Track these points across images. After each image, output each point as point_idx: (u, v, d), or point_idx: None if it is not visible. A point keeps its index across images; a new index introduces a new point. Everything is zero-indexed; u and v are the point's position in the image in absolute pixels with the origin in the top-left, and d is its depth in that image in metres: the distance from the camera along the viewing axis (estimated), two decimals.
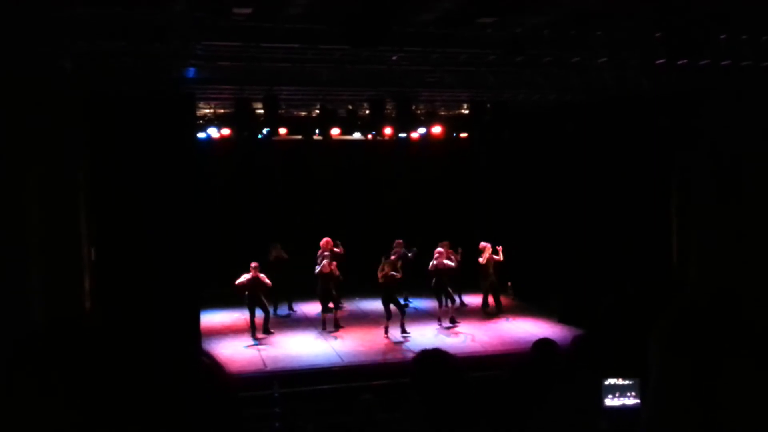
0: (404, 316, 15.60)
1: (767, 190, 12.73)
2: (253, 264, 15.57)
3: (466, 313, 17.78)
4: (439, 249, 16.49)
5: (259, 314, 15.62)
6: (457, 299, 17.66)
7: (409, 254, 17.75)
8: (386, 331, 15.40)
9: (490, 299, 17.75)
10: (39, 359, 1.15)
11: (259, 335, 15.47)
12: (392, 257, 16.15)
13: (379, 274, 15.37)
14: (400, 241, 18.01)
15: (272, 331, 15.79)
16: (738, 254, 12.61)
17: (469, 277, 17.77)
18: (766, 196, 12.73)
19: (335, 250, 17.06)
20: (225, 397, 1.26)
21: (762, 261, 12.09)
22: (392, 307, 15.41)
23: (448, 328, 16.29)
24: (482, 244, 17.44)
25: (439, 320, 16.55)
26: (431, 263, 16.37)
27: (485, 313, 17.60)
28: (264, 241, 18.03)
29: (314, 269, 16.17)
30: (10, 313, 9.06)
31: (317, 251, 16.95)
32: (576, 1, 9.73)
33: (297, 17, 9.88)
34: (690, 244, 14.37)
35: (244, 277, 15.41)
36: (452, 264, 16.58)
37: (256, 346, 14.82)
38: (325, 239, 17.05)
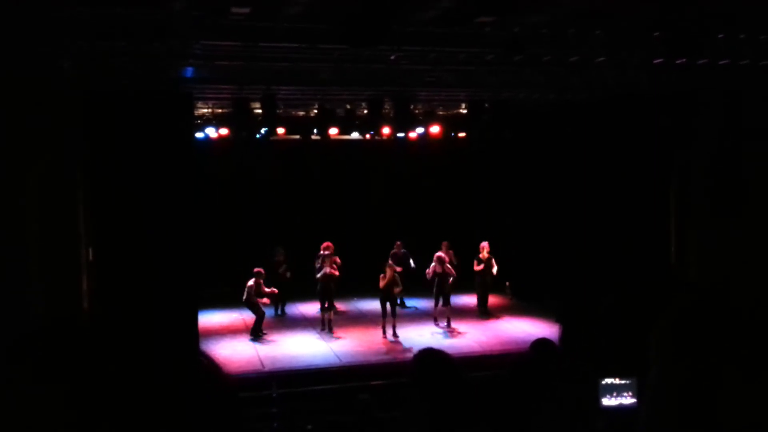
0: (395, 318, 15.59)
1: (767, 190, 12.74)
2: (259, 269, 15.77)
3: (463, 313, 17.78)
4: (439, 254, 16.46)
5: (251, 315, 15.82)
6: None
7: (412, 265, 17.66)
8: (384, 332, 15.41)
9: (490, 299, 17.84)
10: (38, 359, 1.15)
11: (252, 336, 15.56)
12: (390, 262, 16.02)
13: (382, 282, 15.35)
14: (399, 242, 18.01)
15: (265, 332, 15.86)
16: (737, 254, 12.62)
17: (467, 277, 17.76)
18: (766, 196, 12.74)
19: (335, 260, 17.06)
20: (225, 398, 1.26)
21: (761, 261, 12.11)
22: (389, 307, 15.43)
23: (445, 328, 16.30)
24: (482, 244, 17.48)
25: (436, 320, 16.57)
26: (431, 268, 16.33)
27: (482, 314, 17.63)
28: (261, 240, 18.04)
29: (315, 270, 16.20)
30: (9, 313, 9.06)
31: (315, 253, 16.99)
32: (575, 0, 9.72)
33: (296, 17, 9.87)
34: (689, 244, 14.37)
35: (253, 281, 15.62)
36: (452, 271, 16.49)
37: (254, 347, 14.82)
38: (326, 243, 17.08)
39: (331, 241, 17.11)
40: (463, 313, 17.81)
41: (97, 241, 12.51)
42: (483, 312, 17.65)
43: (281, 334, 15.89)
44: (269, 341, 15.30)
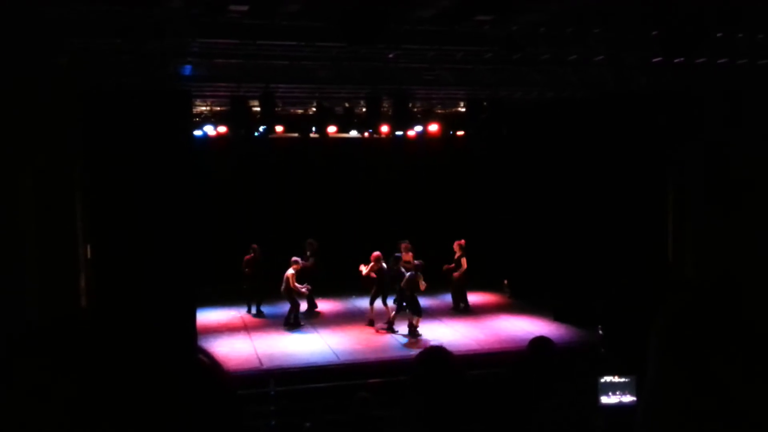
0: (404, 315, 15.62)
1: (764, 187, 12.75)
2: (296, 258, 16.38)
3: (460, 311, 17.81)
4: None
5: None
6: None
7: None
8: (414, 331, 15.49)
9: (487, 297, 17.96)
10: (35, 358, 1.15)
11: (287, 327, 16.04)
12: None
13: (422, 285, 15.42)
14: (378, 253, 17.42)
15: (302, 323, 16.39)
16: (735, 253, 12.63)
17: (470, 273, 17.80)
18: (763, 194, 12.75)
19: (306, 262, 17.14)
20: (224, 395, 1.26)
21: (760, 260, 12.11)
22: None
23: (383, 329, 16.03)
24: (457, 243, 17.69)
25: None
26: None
27: (455, 311, 17.85)
28: (259, 238, 18.05)
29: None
30: (6, 310, 9.04)
31: (306, 251, 17.21)
32: None
33: (294, 14, 9.85)
34: (686, 242, 14.39)
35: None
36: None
37: (252, 345, 14.82)
38: (310, 240, 17.31)
39: (328, 239, 17.14)
40: (460, 311, 17.84)
41: (96, 238, 12.51)
42: (455, 308, 17.94)
43: (279, 331, 15.91)
44: (267, 339, 15.31)
